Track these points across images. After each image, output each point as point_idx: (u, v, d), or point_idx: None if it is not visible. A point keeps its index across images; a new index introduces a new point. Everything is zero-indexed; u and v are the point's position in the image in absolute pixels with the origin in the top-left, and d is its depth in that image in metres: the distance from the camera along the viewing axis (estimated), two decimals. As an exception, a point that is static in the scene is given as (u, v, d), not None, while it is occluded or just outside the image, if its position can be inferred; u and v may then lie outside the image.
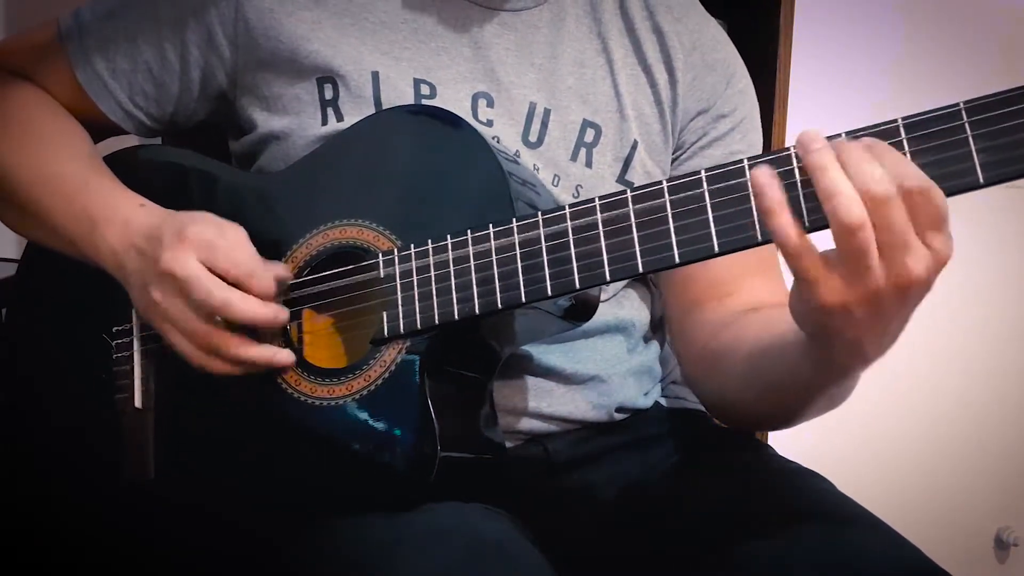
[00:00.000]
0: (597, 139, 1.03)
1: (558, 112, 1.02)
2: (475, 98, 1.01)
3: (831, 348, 0.78)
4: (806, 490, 0.96)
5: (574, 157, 1.02)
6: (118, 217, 0.94)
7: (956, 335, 1.93)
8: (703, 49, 1.07)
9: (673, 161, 1.08)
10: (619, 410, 1.07)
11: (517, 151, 1.01)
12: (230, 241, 0.90)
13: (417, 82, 1.00)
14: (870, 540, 0.86)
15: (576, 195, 1.02)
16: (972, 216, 1.93)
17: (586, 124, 1.03)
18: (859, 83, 1.78)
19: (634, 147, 1.04)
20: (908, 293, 0.72)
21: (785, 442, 1.20)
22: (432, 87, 1.01)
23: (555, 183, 1.02)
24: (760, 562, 0.85)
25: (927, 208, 0.70)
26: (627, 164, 1.04)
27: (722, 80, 1.08)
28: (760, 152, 1.05)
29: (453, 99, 1.01)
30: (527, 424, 1.03)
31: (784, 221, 0.72)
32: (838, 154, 0.71)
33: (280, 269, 0.92)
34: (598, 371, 1.05)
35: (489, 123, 1.01)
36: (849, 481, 1.01)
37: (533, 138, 1.02)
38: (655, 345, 1.13)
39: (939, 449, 1.92)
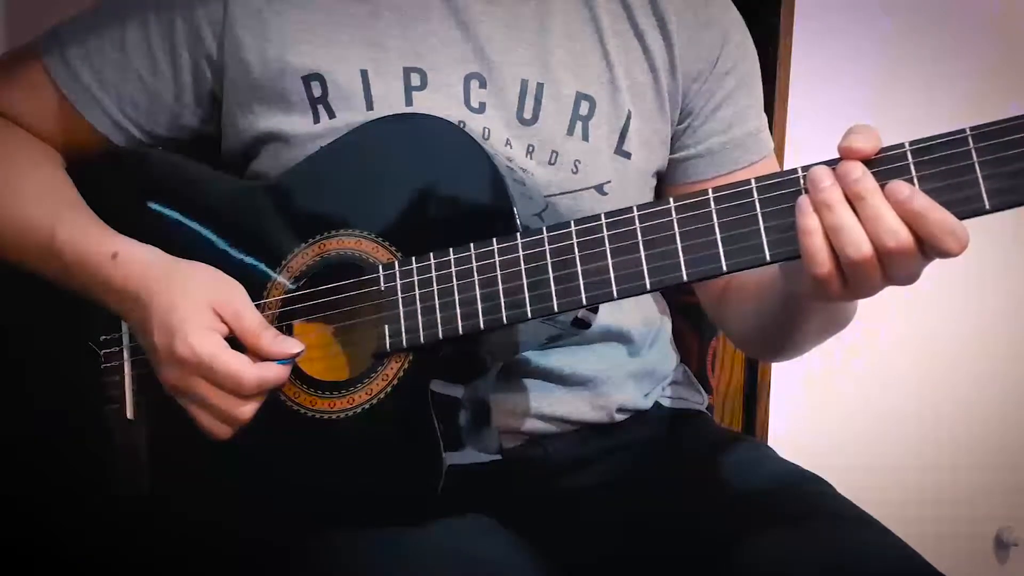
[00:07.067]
0: (592, 112, 1.02)
1: (551, 86, 1.01)
2: (467, 80, 1.00)
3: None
4: (805, 493, 0.96)
5: (571, 131, 1.01)
6: (97, 278, 0.94)
7: (956, 336, 1.92)
8: (695, 7, 1.06)
9: (687, 129, 1.07)
10: (619, 411, 1.07)
11: (508, 139, 1.00)
12: (230, 354, 0.89)
13: (407, 71, 0.99)
14: (869, 544, 0.86)
15: (575, 171, 1.01)
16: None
17: (580, 97, 1.02)
18: (859, 83, 1.78)
19: (628, 117, 1.03)
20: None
21: (785, 443, 1.20)
22: (423, 75, 0.99)
23: (552, 161, 1.00)
24: (759, 565, 0.85)
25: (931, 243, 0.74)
26: (623, 136, 1.03)
27: (718, 36, 1.06)
28: (762, 110, 1.11)
29: (445, 84, 0.99)
30: (527, 425, 1.03)
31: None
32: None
33: (275, 372, 0.90)
34: (598, 373, 1.05)
35: (481, 107, 1.00)
36: (849, 480, 1.01)
37: (528, 115, 1.01)
38: (658, 346, 1.13)
39: (939, 449, 1.92)
